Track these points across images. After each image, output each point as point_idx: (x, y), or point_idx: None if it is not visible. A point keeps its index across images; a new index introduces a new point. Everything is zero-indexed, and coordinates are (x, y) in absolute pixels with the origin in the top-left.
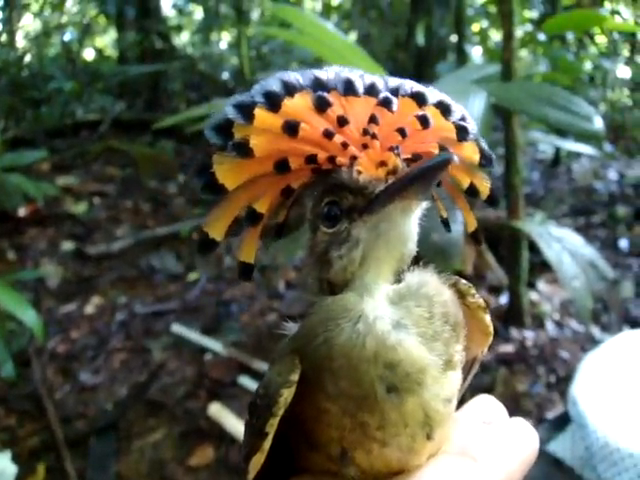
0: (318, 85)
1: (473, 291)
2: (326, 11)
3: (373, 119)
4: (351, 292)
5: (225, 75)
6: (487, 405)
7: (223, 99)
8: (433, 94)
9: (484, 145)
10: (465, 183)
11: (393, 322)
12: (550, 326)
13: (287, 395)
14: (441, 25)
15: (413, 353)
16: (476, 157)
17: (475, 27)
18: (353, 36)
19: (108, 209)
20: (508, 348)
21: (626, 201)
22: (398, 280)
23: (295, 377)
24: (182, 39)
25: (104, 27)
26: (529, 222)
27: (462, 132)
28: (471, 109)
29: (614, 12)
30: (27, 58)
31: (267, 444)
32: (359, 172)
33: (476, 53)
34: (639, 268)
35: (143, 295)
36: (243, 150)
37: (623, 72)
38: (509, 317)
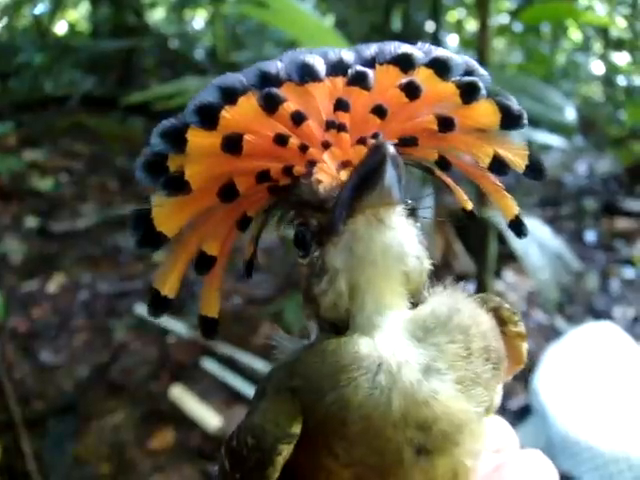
0: (265, 80)
1: (517, 318)
2: None
3: (341, 105)
4: (357, 332)
5: (199, 54)
6: (497, 430)
7: (194, 77)
8: (425, 52)
9: (506, 100)
10: (486, 157)
11: (422, 367)
12: None
13: (286, 453)
14: (418, 12)
15: (451, 407)
16: (495, 118)
17: (452, 17)
18: (330, 20)
19: (74, 186)
20: None
21: (594, 195)
22: (415, 304)
23: (297, 429)
24: (156, 16)
25: (76, 0)
26: (498, 212)
27: (469, 91)
28: None
29: (589, 9)
30: None
31: None
32: (318, 181)
33: (451, 42)
34: (605, 261)
35: (107, 274)
36: (177, 185)
37: (596, 67)
38: None
